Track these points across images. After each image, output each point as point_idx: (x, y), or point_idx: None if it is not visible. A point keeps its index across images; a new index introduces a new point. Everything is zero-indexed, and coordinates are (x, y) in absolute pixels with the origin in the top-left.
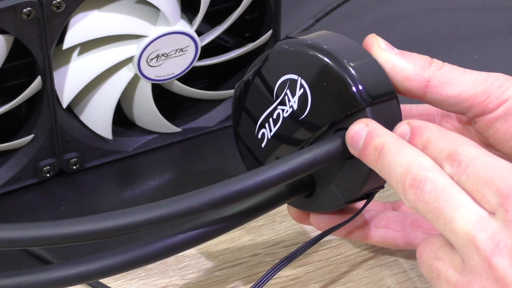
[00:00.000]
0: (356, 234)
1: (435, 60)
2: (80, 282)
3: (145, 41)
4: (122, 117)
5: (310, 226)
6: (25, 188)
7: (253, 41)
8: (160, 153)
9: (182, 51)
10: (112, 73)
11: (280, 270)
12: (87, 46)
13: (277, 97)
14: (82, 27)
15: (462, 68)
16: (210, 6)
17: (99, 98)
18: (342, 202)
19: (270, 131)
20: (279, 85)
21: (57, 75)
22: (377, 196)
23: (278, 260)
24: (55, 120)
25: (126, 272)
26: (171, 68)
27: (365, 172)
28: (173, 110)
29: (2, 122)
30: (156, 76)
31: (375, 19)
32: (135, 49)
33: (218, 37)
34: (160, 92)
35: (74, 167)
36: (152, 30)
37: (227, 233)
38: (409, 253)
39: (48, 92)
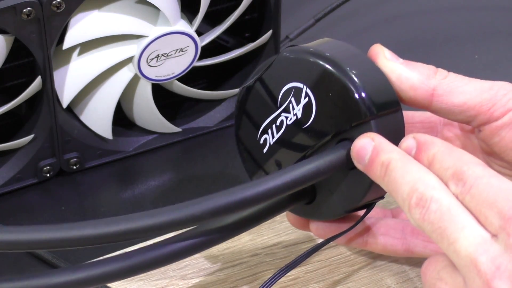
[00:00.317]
0: (356, 241)
1: (440, 69)
2: None
3: (145, 41)
4: (122, 117)
5: None
6: (25, 188)
7: (253, 41)
8: (160, 153)
9: (182, 51)
10: (112, 73)
11: (280, 279)
12: (87, 46)
13: (281, 104)
14: (82, 27)
15: (467, 77)
16: (210, 6)
17: (99, 98)
18: (342, 211)
19: (273, 137)
20: (283, 93)
21: (57, 75)
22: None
23: (278, 260)
24: (55, 120)
25: None
26: (171, 68)
27: (367, 183)
28: (173, 110)
29: (2, 122)
30: (156, 76)
31: (375, 19)
32: (135, 49)
33: (218, 37)
34: (160, 92)
35: (74, 167)
36: (152, 30)
37: None
38: None
39: (48, 92)
